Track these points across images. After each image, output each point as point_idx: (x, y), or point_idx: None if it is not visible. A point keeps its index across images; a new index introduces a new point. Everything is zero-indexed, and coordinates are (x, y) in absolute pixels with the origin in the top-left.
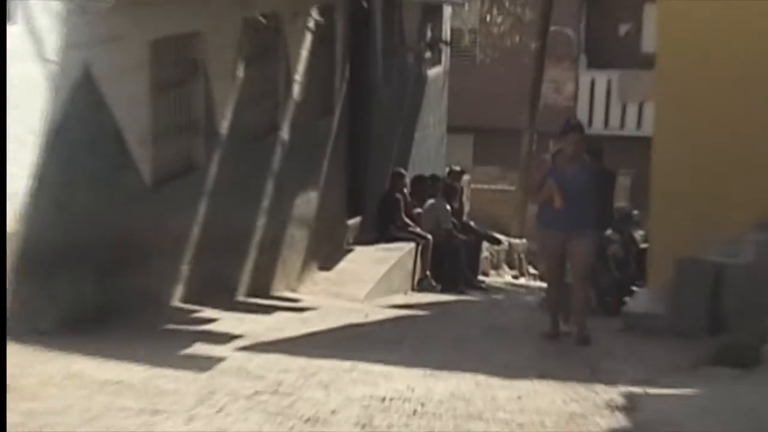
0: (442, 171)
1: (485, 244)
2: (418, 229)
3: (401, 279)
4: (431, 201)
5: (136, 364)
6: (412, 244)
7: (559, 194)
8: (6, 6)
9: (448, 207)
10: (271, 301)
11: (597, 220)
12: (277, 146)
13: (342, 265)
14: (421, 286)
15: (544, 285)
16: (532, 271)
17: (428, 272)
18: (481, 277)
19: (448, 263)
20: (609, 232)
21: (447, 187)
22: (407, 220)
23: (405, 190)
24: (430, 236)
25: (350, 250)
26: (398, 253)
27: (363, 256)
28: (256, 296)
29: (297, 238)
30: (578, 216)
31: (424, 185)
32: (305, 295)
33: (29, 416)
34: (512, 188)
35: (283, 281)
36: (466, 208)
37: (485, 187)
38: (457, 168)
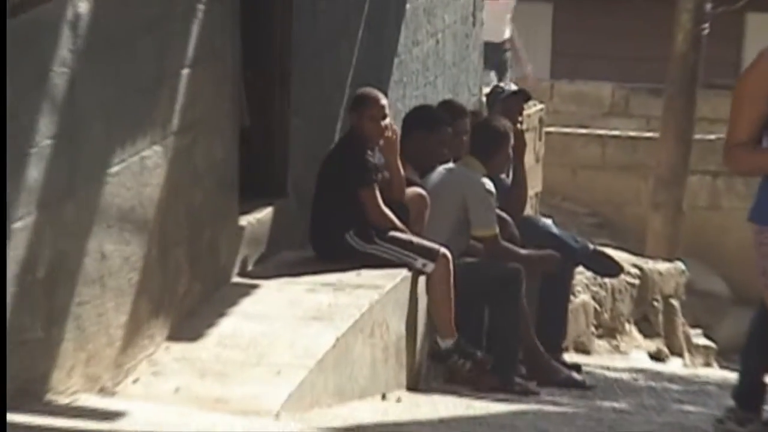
0: (476, 94)
1: (581, 273)
2: (416, 237)
3: (376, 360)
4: (448, 166)
5: None
6: (404, 273)
7: None
8: (6, 6)
9: (489, 182)
10: (51, 418)
11: None
12: (62, 30)
13: (227, 326)
14: (428, 375)
15: None
16: (701, 340)
17: (442, 339)
18: (570, 356)
19: (493, 317)
20: None
21: (488, 131)
22: (389, 213)
23: (387, 140)
24: (446, 251)
25: (248, 290)
26: (367, 297)
27: (279, 305)
28: (13, 406)
29: (115, 261)
30: None
31: (432, 128)
32: (135, 403)
33: None
34: (650, 135)
35: (81, 367)
36: (536, 184)
37: (581, 131)
38: (512, 86)
